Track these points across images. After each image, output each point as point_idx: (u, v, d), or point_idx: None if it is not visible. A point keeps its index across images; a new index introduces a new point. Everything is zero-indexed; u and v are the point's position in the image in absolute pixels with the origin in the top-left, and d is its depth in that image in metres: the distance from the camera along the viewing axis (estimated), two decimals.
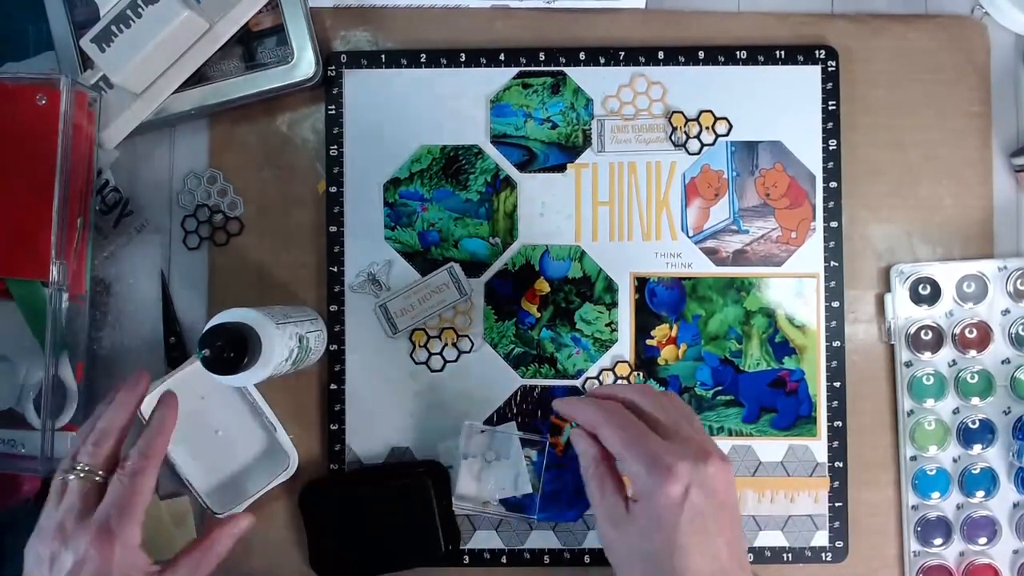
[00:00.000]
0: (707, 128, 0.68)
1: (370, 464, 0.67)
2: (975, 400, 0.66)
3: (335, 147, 0.68)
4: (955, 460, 0.67)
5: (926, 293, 0.67)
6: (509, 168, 0.68)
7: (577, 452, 0.57)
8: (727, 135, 0.68)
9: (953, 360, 0.67)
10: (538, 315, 0.67)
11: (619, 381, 0.67)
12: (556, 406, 0.59)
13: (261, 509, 0.67)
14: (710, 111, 0.68)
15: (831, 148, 0.67)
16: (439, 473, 0.66)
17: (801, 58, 0.68)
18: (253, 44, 0.67)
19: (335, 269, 0.68)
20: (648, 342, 0.67)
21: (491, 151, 0.68)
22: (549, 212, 0.68)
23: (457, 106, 0.68)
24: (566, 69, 0.68)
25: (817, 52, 0.68)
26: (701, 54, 0.68)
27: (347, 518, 0.65)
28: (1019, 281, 0.67)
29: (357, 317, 0.67)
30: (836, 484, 0.67)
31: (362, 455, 0.67)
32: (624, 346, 0.67)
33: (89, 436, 0.56)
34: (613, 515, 0.53)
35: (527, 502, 0.66)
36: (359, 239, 0.68)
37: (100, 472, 0.55)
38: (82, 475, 0.54)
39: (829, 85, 0.68)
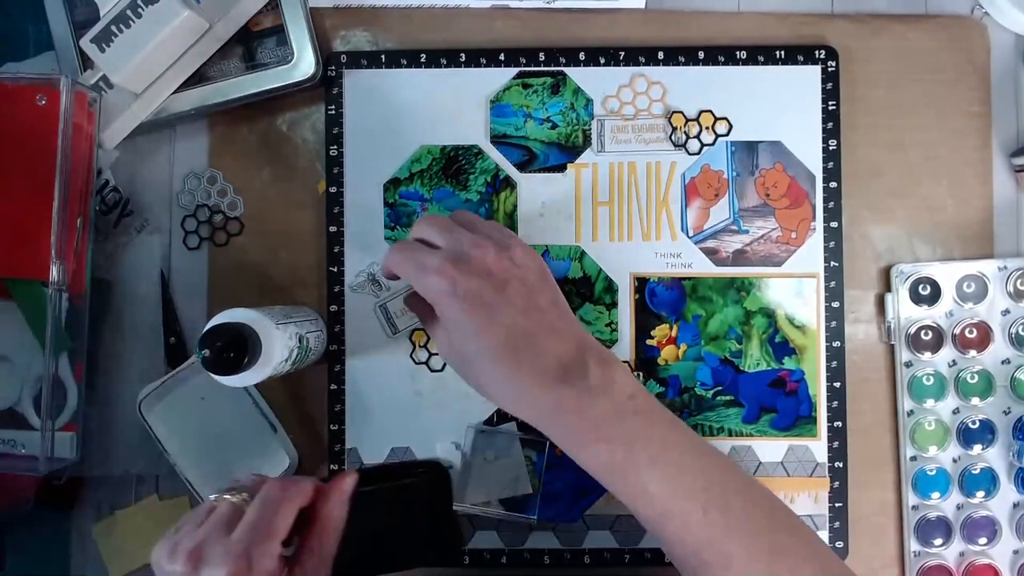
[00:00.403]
0: (707, 128, 0.68)
1: (370, 464, 0.67)
2: (975, 400, 0.66)
3: (335, 147, 0.68)
4: (955, 460, 0.67)
5: (926, 293, 0.67)
6: (509, 168, 0.68)
7: (415, 315, 0.62)
8: (727, 135, 0.68)
9: (953, 360, 0.67)
10: None
11: None
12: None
13: None
14: (710, 111, 0.68)
15: (831, 148, 0.67)
16: (439, 473, 0.66)
17: (801, 58, 0.68)
18: (253, 44, 0.67)
19: (335, 269, 0.68)
20: (648, 342, 0.67)
21: (491, 151, 0.68)
22: (549, 212, 0.68)
23: (457, 106, 0.68)
24: (566, 69, 0.68)
25: (817, 52, 0.68)
26: (701, 54, 0.68)
27: (347, 518, 0.65)
28: (1019, 281, 0.67)
29: (357, 317, 0.67)
30: (836, 484, 0.67)
31: (362, 455, 0.67)
32: (624, 346, 0.67)
33: (267, 478, 0.53)
34: (433, 331, 0.58)
35: (527, 502, 0.66)
36: (359, 239, 0.68)
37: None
38: (236, 500, 0.51)
39: (829, 85, 0.68)
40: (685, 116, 0.68)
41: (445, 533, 0.64)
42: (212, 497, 0.52)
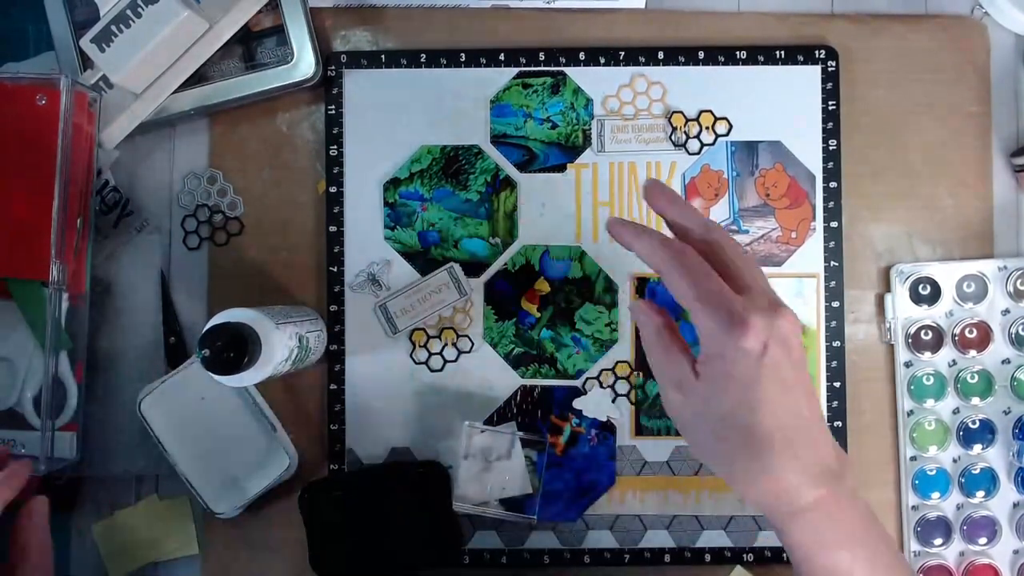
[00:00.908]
0: (707, 128, 0.68)
1: (370, 464, 0.67)
2: (975, 400, 0.66)
3: (335, 147, 0.68)
4: (955, 460, 0.67)
5: (926, 293, 0.67)
6: (509, 168, 0.68)
7: (638, 322, 0.52)
8: (727, 135, 0.68)
9: (953, 360, 0.67)
10: (538, 315, 0.67)
11: (619, 381, 0.67)
12: (611, 226, 0.52)
13: (261, 509, 0.67)
14: (710, 111, 0.68)
15: (831, 148, 0.67)
16: (439, 473, 0.66)
17: (801, 58, 0.68)
18: (253, 44, 0.67)
19: (335, 269, 0.68)
20: None
21: (491, 151, 0.68)
22: (549, 212, 0.68)
23: (457, 106, 0.68)
24: (566, 69, 0.68)
25: (817, 52, 0.68)
26: (701, 54, 0.68)
27: (347, 518, 0.65)
28: (1019, 281, 0.66)
29: (357, 317, 0.67)
30: None
31: (362, 455, 0.67)
32: (624, 346, 0.67)
33: None
34: (680, 379, 0.49)
35: (527, 502, 0.66)
36: (359, 239, 0.68)
37: None
38: None
39: (829, 85, 0.68)
40: (685, 116, 0.68)
41: (445, 533, 0.65)
42: None
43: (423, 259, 0.68)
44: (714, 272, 0.48)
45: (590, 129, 0.68)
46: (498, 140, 0.68)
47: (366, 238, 0.68)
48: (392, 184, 0.68)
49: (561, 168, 0.68)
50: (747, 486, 0.48)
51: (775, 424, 0.47)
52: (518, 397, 0.67)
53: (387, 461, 0.67)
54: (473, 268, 0.68)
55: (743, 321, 0.46)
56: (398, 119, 0.68)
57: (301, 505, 0.66)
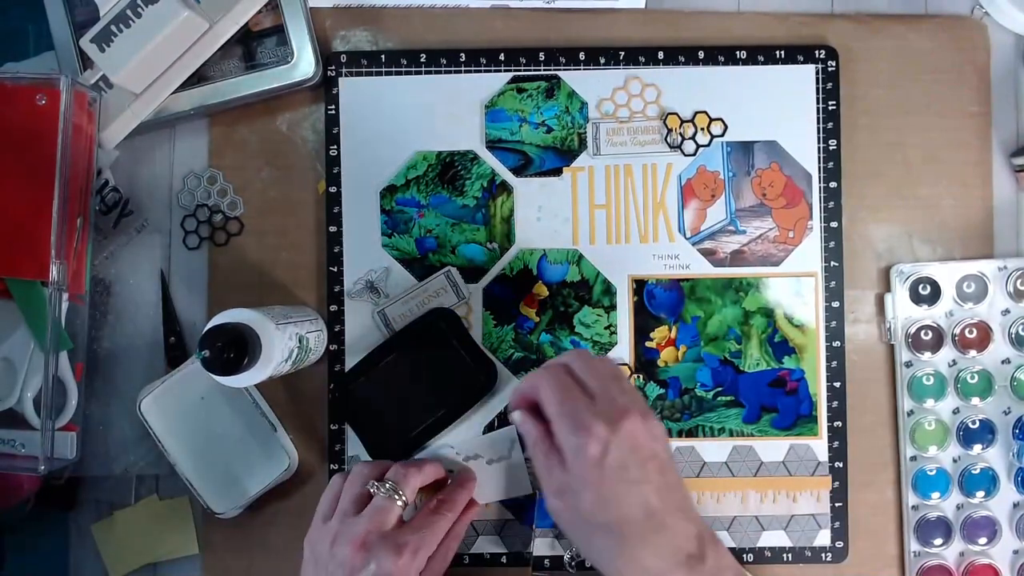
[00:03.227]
0: (702, 129, 0.68)
1: (388, 334, 0.67)
2: (975, 400, 0.66)
3: (335, 147, 0.68)
4: (955, 460, 0.67)
5: (926, 293, 0.67)
6: (505, 173, 0.68)
7: (522, 432, 0.58)
8: (722, 136, 0.68)
9: (953, 360, 0.67)
10: (537, 319, 0.67)
11: None
12: (512, 398, 0.59)
13: (261, 509, 0.67)
14: (705, 112, 0.68)
15: (831, 148, 0.67)
16: (447, 315, 0.66)
17: (801, 58, 0.68)
18: (253, 44, 0.67)
19: (335, 269, 0.68)
20: (647, 344, 0.67)
21: (487, 156, 0.68)
22: (546, 216, 0.68)
23: (451, 112, 0.68)
24: (560, 72, 0.68)
25: (817, 52, 0.68)
26: (701, 54, 0.68)
27: (384, 394, 0.66)
28: (1019, 281, 0.66)
29: (356, 323, 0.67)
30: (836, 484, 0.67)
31: (363, 457, 0.67)
32: (623, 348, 0.67)
33: (404, 467, 0.60)
34: (559, 486, 0.54)
35: (527, 503, 0.66)
36: (357, 246, 0.68)
37: (405, 499, 0.58)
38: (392, 495, 0.58)
39: (829, 85, 0.67)
40: (680, 117, 0.68)
41: (476, 365, 0.66)
42: (369, 487, 0.58)
43: (421, 265, 0.68)
44: (576, 387, 0.55)
45: (585, 132, 0.68)
46: (493, 145, 0.68)
47: (364, 245, 0.68)
48: (389, 191, 0.68)
49: (557, 172, 0.68)
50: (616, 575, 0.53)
51: (624, 518, 0.52)
52: None
53: (391, 333, 0.67)
54: (471, 273, 0.68)
55: (585, 426, 0.53)
56: (392, 126, 0.68)
57: (336, 406, 0.66)
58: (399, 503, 0.58)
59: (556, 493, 0.55)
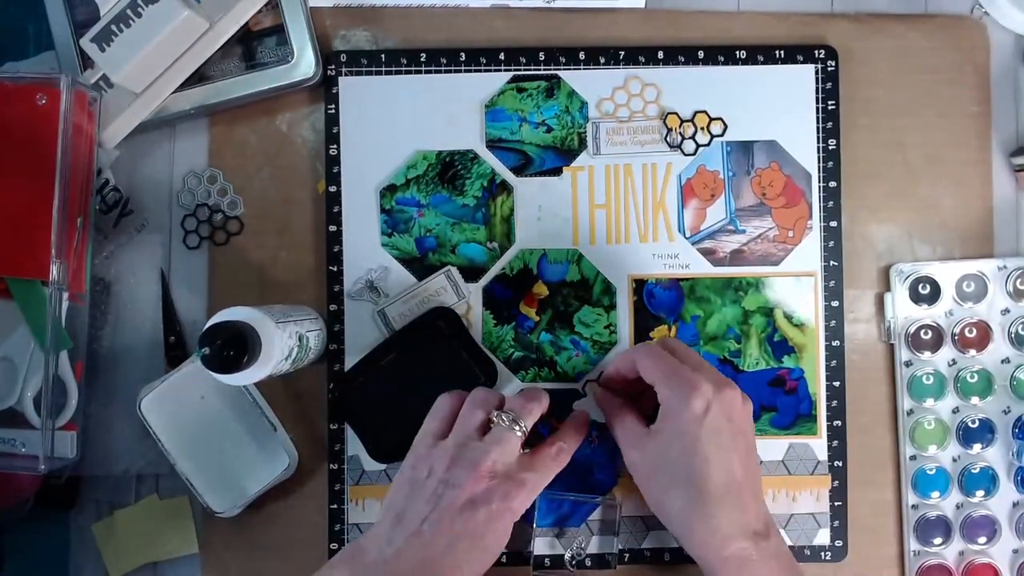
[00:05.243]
0: (702, 129, 0.68)
1: (390, 333, 0.67)
2: (975, 400, 0.66)
3: (335, 146, 0.68)
4: (955, 459, 0.67)
5: (926, 293, 0.67)
6: (505, 172, 0.68)
7: (600, 404, 0.65)
8: (722, 135, 0.68)
9: (953, 360, 0.67)
10: (537, 319, 0.67)
11: None
12: (607, 375, 0.64)
13: (261, 509, 0.67)
14: (704, 112, 0.68)
15: (831, 148, 0.67)
16: (447, 314, 0.66)
17: (801, 58, 0.68)
18: (253, 44, 0.67)
19: (335, 268, 0.68)
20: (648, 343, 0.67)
21: (487, 156, 0.68)
22: (546, 216, 0.68)
23: (451, 111, 0.68)
24: (560, 72, 0.68)
25: (817, 52, 0.68)
26: (701, 54, 0.68)
27: (382, 394, 0.66)
28: (1019, 281, 0.67)
29: (356, 323, 0.67)
30: (836, 483, 0.67)
31: (363, 458, 0.67)
32: (623, 348, 0.67)
33: (527, 398, 0.60)
34: (635, 438, 0.59)
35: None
36: (356, 246, 0.68)
37: (526, 430, 0.58)
38: (513, 426, 0.58)
39: (829, 85, 0.68)
40: (680, 117, 0.68)
41: (477, 364, 0.66)
42: (493, 416, 0.58)
43: (421, 265, 0.68)
44: (675, 358, 0.59)
45: (585, 132, 0.68)
46: (493, 145, 0.68)
47: (364, 245, 0.68)
48: (388, 191, 0.68)
49: (557, 172, 0.68)
50: (684, 530, 0.57)
51: (710, 477, 0.56)
52: None
53: (391, 332, 0.67)
54: (471, 273, 0.68)
55: (692, 384, 0.56)
56: (392, 125, 0.68)
57: (336, 406, 0.66)
58: (519, 434, 0.58)
59: (637, 446, 0.59)
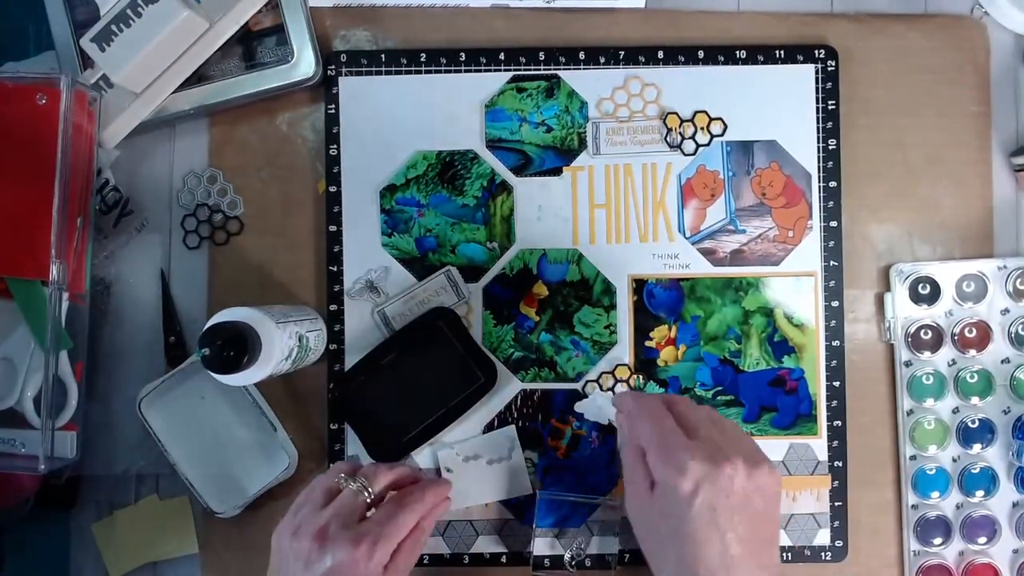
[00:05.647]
0: (702, 129, 0.68)
1: (389, 334, 0.67)
2: (975, 400, 0.66)
3: (335, 146, 0.68)
4: (955, 459, 0.67)
5: (926, 293, 0.67)
6: (505, 172, 0.68)
7: (620, 432, 0.63)
8: (722, 135, 0.68)
9: (953, 360, 0.67)
10: (537, 319, 0.67)
11: (619, 384, 0.67)
12: (616, 402, 0.61)
13: (261, 509, 0.67)
14: (704, 112, 0.68)
15: (831, 148, 0.67)
16: (446, 314, 0.66)
17: (801, 58, 0.68)
18: (253, 44, 0.67)
19: (335, 268, 0.68)
20: (647, 343, 0.67)
21: (487, 156, 0.68)
22: (546, 216, 0.68)
23: (451, 111, 0.68)
24: (560, 72, 0.68)
25: (817, 52, 0.68)
26: (701, 54, 0.68)
27: (383, 394, 0.66)
28: (1019, 281, 0.66)
29: (356, 322, 0.67)
30: (836, 483, 0.67)
31: (362, 458, 0.67)
32: (623, 348, 0.67)
33: (377, 466, 0.60)
34: (636, 494, 0.55)
35: (528, 503, 0.66)
36: (356, 246, 0.68)
37: (372, 495, 0.58)
38: (356, 489, 0.57)
39: (829, 85, 0.68)
40: (680, 117, 0.68)
41: (476, 364, 0.65)
42: (339, 481, 0.58)
43: (421, 265, 0.68)
44: (671, 417, 0.55)
45: (585, 132, 0.68)
46: (493, 145, 0.68)
47: (364, 245, 0.68)
48: (388, 191, 0.68)
49: (557, 172, 0.68)
50: None
51: (700, 559, 0.52)
52: (519, 401, 0.67)
53: (391, 332, 0.67)
54: (471, 273, 0.68)
55: (679, 465, 0.52)
56: (392, 125, 0.68)
57: (336, 406, 0.66)
58: (365, 497, 0.57)
59: (636, 504, 0.56)
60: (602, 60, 0.68)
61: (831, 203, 0.67)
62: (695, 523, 0.52)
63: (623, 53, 0.68)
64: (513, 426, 0.67)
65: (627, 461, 0.57)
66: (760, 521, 0.54)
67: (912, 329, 0.67)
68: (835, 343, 0.67)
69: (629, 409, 0.57)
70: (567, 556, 0.66)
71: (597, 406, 0.66)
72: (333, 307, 0.67)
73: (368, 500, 0.57)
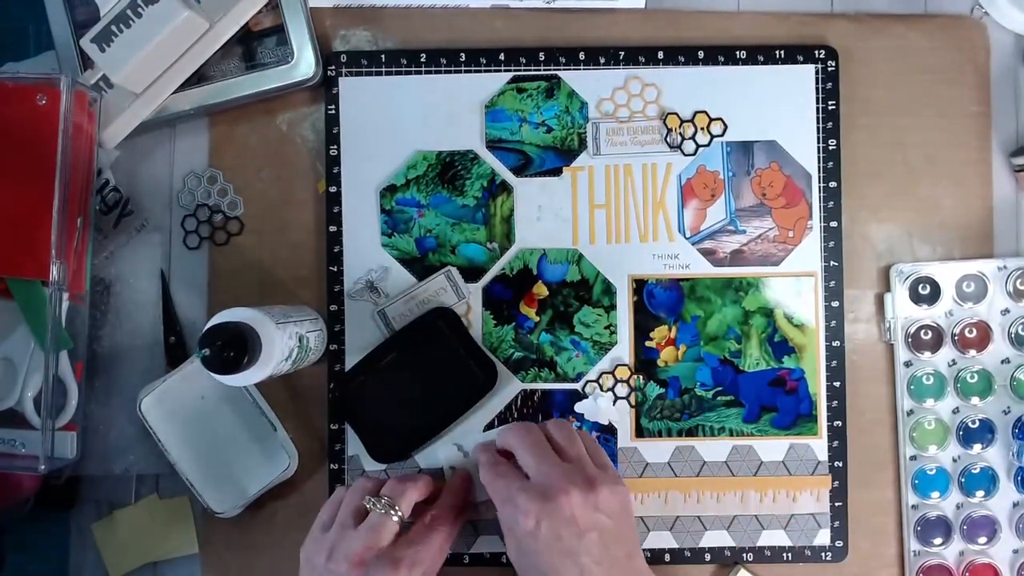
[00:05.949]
0: (702, 129, 0.68)
1: (389, 334, 0.67)
2: (975, 400, 0.66)
3: (335, 146, 0.68)
4: (955, 460, 0.67)
5: (926, 293, 0.67)
6: (505, 173, 0.68)
7: (485, 477, 0.61)
8: (722, 135, 0.68)
9: (953, 360, 0.67)
10: (537, 319, 0.67)
11: (618, 384, 0.67)
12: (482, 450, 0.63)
13: (261, 509, 0.67)
14: (704, 112, 0.68)
15: (831, 148, 0.67)
16: (446, 314, 0.66)
17: (801, 58, 0.68)
18: (253, 44, 0.67)
19: (335, 269, 0.68)
20: (647, 344, 0.67)
21: (487, 156, 0.68)
22: (546, 216, 0.68)
23: (452, 111, 0.68)
24: (560, 72, 0.68)
25: (817, 52, 0.68)
26: (701, 54, 0.68)
27: (383, 394, 0.66)
28: (1019, 281, 0.66)
29: (356, 323, 0.67)
30: (836, 483, 0.67)
31: (363, 458, 0.67)
32: (623, 348, 0.67)
33: (402, 482, 0.61)
34: (509, 527, 0.57)
35: None
36: (357, 246, 0.68)
37: (400, 514, 0.59)
38: (388, 511, 0.58)
39: (829, 85, 0.68)
40: (680, 117, 0.68)
41: (477, 364, 0.66)
42: (366, 502, 0.59)
43: (421, 265, 0.68)
44: (503, 462, 0.60)
45: (585, 132, 0.68)
46: (493, 145, 0.68)
47: (364, 245, 0.68)
48: (389, 191, 0.68)
49: (557, 172, 0.68)
50: None
51: None
52: (519, 401, 0.67)
53: (391, 332, 0.67)
54: (471, 273, 0.68)
55: (515, 507, 0.56)
56: (392, 126, 0.68)
57: (336, 406, 0.66)
58: (395, 519, 0.58)
59: (508, 532, 0.57)
60: (602, 60, 0.68)
61: (831, 203, 0.67)
62: (547, 555, 0.55)
63: (623, 53, 0.68)
64: None
65: (499, 495, 0.59)
66: (612, 538, 0.56)
67: (912, 329, 0.67)
68: (835, 343, 0.67)
69: (482, 470, 0.60)
70: None
71: (597, 407, 0.66)
72: (333, 307, 0.67)
73: (397, 520, 0.58)
